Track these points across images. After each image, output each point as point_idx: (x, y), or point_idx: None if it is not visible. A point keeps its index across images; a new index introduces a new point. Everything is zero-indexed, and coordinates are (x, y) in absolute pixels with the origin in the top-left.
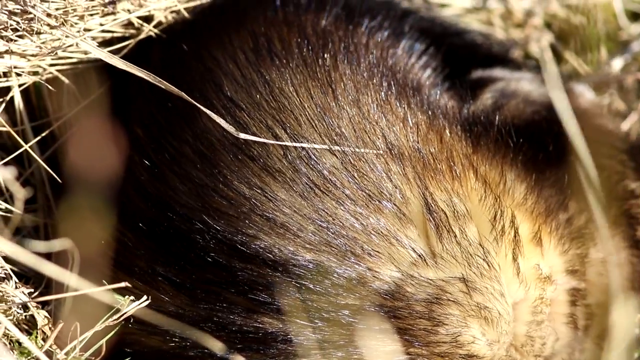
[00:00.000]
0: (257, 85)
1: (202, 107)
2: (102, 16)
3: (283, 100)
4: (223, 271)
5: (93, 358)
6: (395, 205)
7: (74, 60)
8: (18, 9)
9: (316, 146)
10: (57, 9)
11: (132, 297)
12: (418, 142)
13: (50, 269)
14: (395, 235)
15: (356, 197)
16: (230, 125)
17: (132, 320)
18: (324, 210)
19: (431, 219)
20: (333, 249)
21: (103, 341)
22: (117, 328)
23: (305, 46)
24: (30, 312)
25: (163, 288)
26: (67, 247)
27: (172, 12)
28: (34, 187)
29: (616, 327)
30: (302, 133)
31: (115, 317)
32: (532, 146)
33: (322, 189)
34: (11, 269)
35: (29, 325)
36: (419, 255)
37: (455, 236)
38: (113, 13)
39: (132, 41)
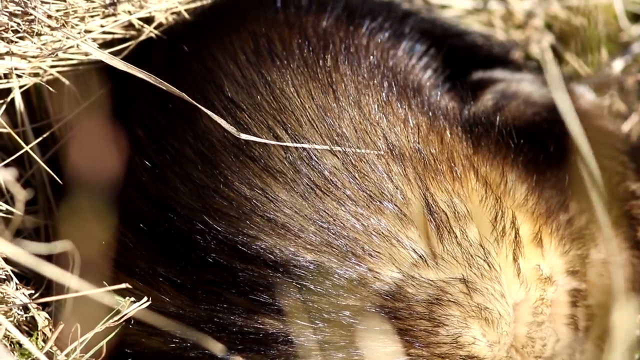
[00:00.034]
0: (258, 86)
1: (203, 108)
2: (103, 17)
3: (284, 101)
4: (224, 272)
5: (93, 359)
6: (396, 205)
7: (75, 61)
8: (19, 10)
9: (317, 147)
10: (57, 11)
11: (132, 298)
12: (419, 143)
13: (50, 271)
14: (396, 236)
15: (357, 197)
16: (231, 126)
17: (132, 321)
18: (324, 211)
19: (432, 219)
20: (334, 249)
21: (103, 342)
22: (118, 329)
23: (306, 47)
24: (30, 314)
25: (164, 289)
26: (68, 249)
27: (172, 13)
28: (34, 188)
29: (617, 328)
30: (303, 134)
31: (115, 318)
32: (533, 147)
33: (323, 189)
34: (12, 270)
35: (29, 327)
36: (420, 256)
37: (456, 237)
38: (114, 14)
39: (132, 42)
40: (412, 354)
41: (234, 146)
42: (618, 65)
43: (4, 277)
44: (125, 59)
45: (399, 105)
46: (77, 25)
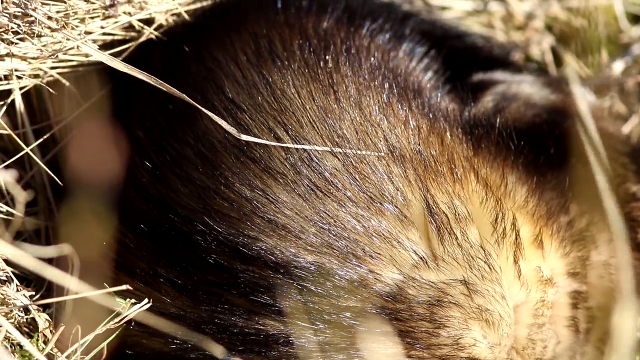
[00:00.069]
0: (259, 87)
1: (203, 109)
2: (103, 19)
3: (285, 102)
4: (225, 273)
5: None
6: (397, 207)
7: (75, 63)
8: (19, 12)
9: (318, 148)
10: (58, 12)
11: (133, 300)
12: (420, 145)
13: (51, 273)
14: (397, 237)
15: (358, 199)
16: (232, 127)
17: (133, 323)
18: (325, 213)
19: (433, 221)
20: (335, 251)
21: (104, 344)
22: (119, 331)
23: (307, 48)
24: (31, 316)
25: (165, 290)
26: (68, 253)
27: (173, 15)
28: (35, 190)
29: (617, 330)
30: (304, 135)
31: (116, 320)
32: (534, 149)
33: (324, 191)
34: (12, 272)
35: (30, 329)
36: (421, 258)
37: (457, 239)
38: (114, 16)
39: (133, 44)
40: (413, 356)
41: (235, 147)
42: (618, 67)
43: (5, 278)
44: (125, 60)
45: (399, 107)
46: (77, 26)
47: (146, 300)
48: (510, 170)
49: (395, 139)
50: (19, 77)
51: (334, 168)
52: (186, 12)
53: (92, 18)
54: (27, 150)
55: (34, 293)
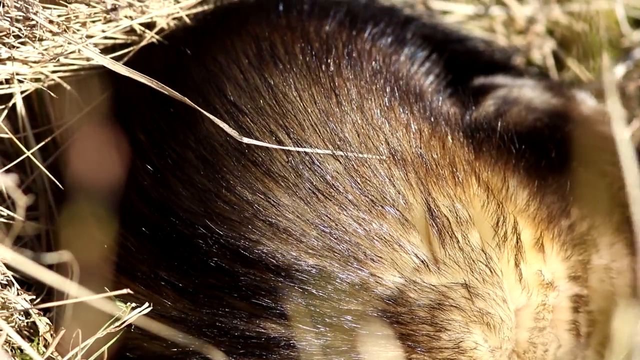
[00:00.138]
0: (261, 90)
1: (205, 112)
2: (104, 23)
3: (286, 105)
4: (226, 276)
5: None
6: (398, 210)
7: (76, 66)
8: (20, 15)
9: (319, 151)
10: (59, 16)
11: (134, 304)
12: (421, 148)
13: (51, 278)
14: (398, 240)
15: (359, 202)
16: (233, 130)
17: (134, 326)
18: (326, 216)
19: (434, 224)
20: (336, 254)
21: (105, 348)
22: (119, 334)
23: (308, 51)
24: (32, 319)
25: (166, 293)
26: (67, 260)
27: (174, 18)
28: (35, 194)
29: (618, 334)
30: (305, 138)
31: (117, 324)
32: (535, 153)
33: (325, 194)
34: (13, 276)
35: (30, 332)
36: (422, 261)
37: (458, 242)
38: (115, 20)
39: (134, 47)
40: (413, 359)
41: (236, 150)
42: (619, 71)
43: (5, 282)
44: (126, 63)
45: (401, 110)
46: (78, 30)
47: (147, 304)
48: (512, 173)
49: (397, 142)
50: (20, 81)
51: (335, 171)
52: (187, 15)
53: (93, 21)
54: (28, 153)
55: (34, 297)
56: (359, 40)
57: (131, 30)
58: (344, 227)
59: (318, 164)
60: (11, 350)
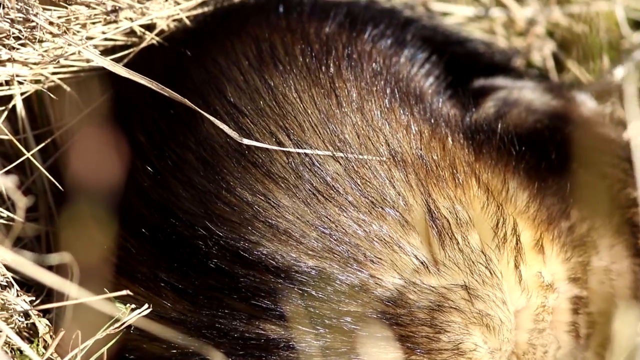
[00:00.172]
0: (261, 91)
1: (205, 113)
2: (105, 24)
3: (286, 107)
4: (225, 277)
5: None
6: (398, 212)
7: (76, 68)
8: (20, 17)
9: (319, 153)
10: (59, 17)
11: (133, 305)
12: (421, 150)
13: (51, 279)
14: (397, 242)
15: (359, 203)
16: (233, 131)
17: (133, 327)
18: (326, 217)
19: (434, 226)
20: (335, 255)
21: (104, 349)
22: (119, 336)
23: (308, 53)
24: (31, 320)
25: (165, 294)
26: (67, 261)
27: (174, 20)
28: (35, 195)
29: (618, 335)
30: (305, 139)
31: (116, 325)
32: (535, 154)
33: (325, 195)
34: (12, 277)
35: (30, 334)
36: (422, 263)
37: (458, 243)
38: (115, 21)
39: (134, 49)
40: None
41: (236, 151)
42: (619, 72)
43: (5, 283)
44: (126, 65)
45: (401, 111)
46: (78, 32)
47: (146, 305)
48: (512, 175)
49: (397, 143)
50: (20, 82)
51: (335, 172)
52: (187, 17)
53: (94, 23)
54: (28, 155)
55: (34, 298)
56: (359, 41)
57: (131, 32)
58: (343, 229)
59: (318, 165)
60: (11, 352)
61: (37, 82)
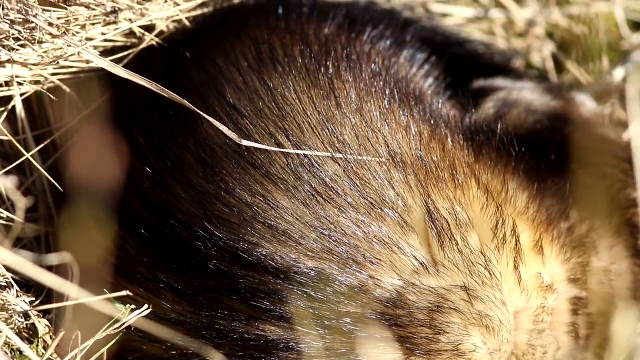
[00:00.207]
0: (260, 93)
1: (204, 115)
2: (104, 25)
3: (286, 108)
4: (225, 278)
5: None
6: (397, 213)
7: (76, 69)
8: (20, 18)
9: (319, 154)
10: (59, 18)
11: (133, 306)
12: (421, 151)
13: (51, 280)
14: (397, 243)
15: (358, 205)
16: (233, 133)
17: (133, 328)
18: (326, 218)
19: (433, 227)
20: (335, 256)
21: (104, 350)
22: (119, 337)
23: (308, 54)
24: (31, 321)
25: (165, 295)
26: (67, 261)
27: (174, 21)
28: (35, 196)
29: (617, 336)
30: (305, 141)
31: (116, 326)
32: (534, 155)
33: (324, 196)
34: (12, 278)
35: (30, 334)
36: (421, 264)
37: (457, 244)
38: (115, 22)
39: (134, 50)
40: None
41: (236, 153)
42: (619, 73)
43: (5, 284)
44: (126, 66)
45: (401, 112)
46: (78, 33)
47: (146, 306)
48: (511, 176)
49: (397, 144)
50: (20, 84)
51: (334, 174)
52: (187, 18)
53: (93, 24)
54: (28, 156)
55: (33, 299)
56: (358, 42)
57: (131, 33)
58: (343, 230)
59: (317, 166)
60: (11, 353)
61: (36, 83)
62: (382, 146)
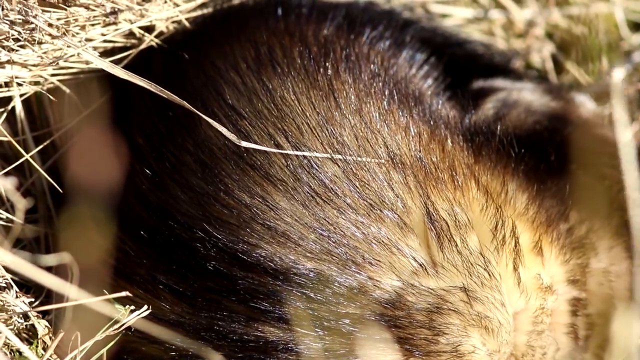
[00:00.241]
0: (259, 94)
1: (203, 116)
2: (104, 26)
3: (285, 109)
4: (224, 279)
5: None
6: (396, 214)
7: (76, 70)
8: (20, 19)
9: (318, 155)
10: (58, 19)
11: (132, 307)
12: (420, 151)
13: (50, 280)
14: (396, 244)
15: (357, 206)
16: (231, 134)
17: (132, 329)
18: (325, 219)
19: (432, 228)
20: (334, 257)
21: (104, 351)
22: (118, 337)
23: (307, 55)
24: (30, 322)
25: (164, 296)
26: (67, 262)
27: (173, 22)
28: (34, 197)
29: (617, 337)
30: (304, 142)
31: (115, 327)
32: (534, 156)
33: (323, 197)
34: (12, 279)
35: (29, 335)
36: (420, 265)
37: (456, 245)
38: (114, 23)
39: (133, 51)
40: None
41: (235, 154)
42: (619, 74)
43: (4, 285)
44: (126, 67)
45: (400, 113)
46: (78, 33)
47: (145, 307)
48: (511, 177)
49: (396, 145)
50: (19, 84)
51: (333, 175)
52: (187, 19)
53: (93, 25)
54: (27, 156)
55: (33, 299)
56: (357, 43)
57: (130, 34)
58: (342, 231)
59: (316, 167)
60: (10, 353)
61: (36, 83)
62: (381, 147)
